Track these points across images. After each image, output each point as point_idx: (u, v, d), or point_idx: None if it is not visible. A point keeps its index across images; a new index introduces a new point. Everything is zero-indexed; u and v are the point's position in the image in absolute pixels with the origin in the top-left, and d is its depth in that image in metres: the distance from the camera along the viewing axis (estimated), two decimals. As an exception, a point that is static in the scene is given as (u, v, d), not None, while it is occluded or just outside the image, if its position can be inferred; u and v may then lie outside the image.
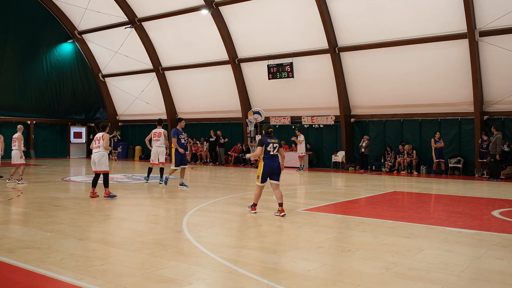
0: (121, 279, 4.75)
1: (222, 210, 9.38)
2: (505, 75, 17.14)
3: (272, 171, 8.39)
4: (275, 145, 8.38)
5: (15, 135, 14.37)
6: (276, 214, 8.33)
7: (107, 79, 30.16)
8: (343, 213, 9.10)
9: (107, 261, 5.46)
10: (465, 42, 17.31)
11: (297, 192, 12.44)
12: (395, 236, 6.82)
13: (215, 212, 9.13)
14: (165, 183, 13.06)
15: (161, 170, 13.82)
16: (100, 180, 10.48)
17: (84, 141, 31.05)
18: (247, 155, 11.31)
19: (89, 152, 30.58)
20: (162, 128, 14.23)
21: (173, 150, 12.83)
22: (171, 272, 4.98)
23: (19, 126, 15.13)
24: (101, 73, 30.14)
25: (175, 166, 12.80)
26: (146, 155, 28.14)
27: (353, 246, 6.24)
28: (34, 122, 28.38)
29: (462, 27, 17.15)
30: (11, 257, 5.52)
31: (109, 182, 10.63)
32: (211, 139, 24.70)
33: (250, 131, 23.57)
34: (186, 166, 13.42)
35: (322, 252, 5.95)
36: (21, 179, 14.00)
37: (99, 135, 10.54)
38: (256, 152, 8.47)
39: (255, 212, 8.47)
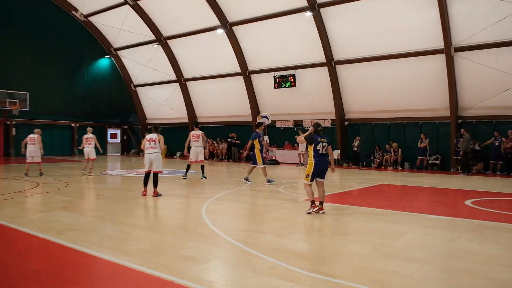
0: (150, 257, 4.82)
1: (235, 199, 9.44)
2: (477, 84, 17.04)
3: (322, 169, 7.46)
4: (324, 144, 7.38)
5: (89, 136, 14.81)
6: (315, 211, 7.30)
7: (138, 89, 30.31)
8: (338, 202, 9.11)
9: (138, 241, 5.54)
10: (442, 57, 17.25)
11: (298, 184, 12.44)
12: (382, 222, 6.85)
13: (229, 201, 9.17)
14: (249, 181, 12.16)
15: (202, 167, 13.49)
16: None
17: (119, 141, 31.28)
18: (298, 139, 8.68)
19: (123, 150, 31.06)
20: (200, 129, 13.73)
21: (257, 151, 12.15)
22: (192, 251, 5.04)
23: (88, 128, 15.49)
24: (133, 84, 30.29)
25: (263, 165, 12.17)
26: (170, 153, 28.33)
27: (346, 230, 6.27)
28: (77, 125, 28.62)
29: (439, 44, 17.09)
30: (59, 238, 5.61)
31: (136, 176, 10.15)
32: (229, 140, 24.88)
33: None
34: (255, 166, 12.39)
35: (320, 235, 5.98)
36: (91, 172, 14.48)
37: (153, 136, 9.49)
38: (300, 137, 7.77)
39: (316, 210, 7.28)
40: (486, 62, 16.25)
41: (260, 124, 13.13)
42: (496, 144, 16.31)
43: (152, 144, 9.34)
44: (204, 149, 13.75)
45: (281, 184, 12.28)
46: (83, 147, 14.75)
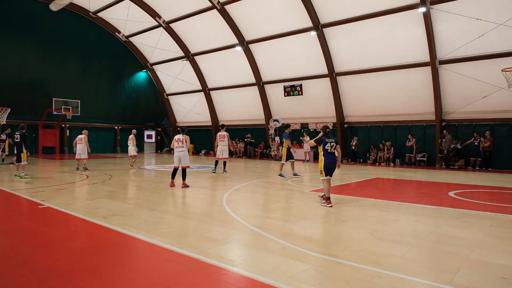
0: (180, 238, 4.83)
1: (252, 190, 9.41)
2: (459, 92, 16.69)
3: (331, 166, 7.19)
4: (332, 143, 7.19)
5: (130, 136, 15.44)
6: (322, 204, 7.11)
7: (170, 97, 30.53)
8: (339, 193, 9.01)
9: (170, 226, 5.55)
10: (428, 69, 16.96)
11: (304, 178, 12.35)
12: (377, 210, 6.73)
13: (247, 192, 9.15)
14: (282, 176, 11.92)
15: (224, 163, 13.48)
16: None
17: (153, 141, 31.50)
18: (309, 142, 8.72)
19: (157, 149, 31.34)
20: (225, 131, 13.60)
21: (285, 149, 11.90)
22: (215, 234, 5.03)
23: (133, 130, 16.07)
24: (165, 93, 30.53)
25: (285, 161, 11.94)
26: (196, 151, 28.49)
27: (346, 217, 6.18)
28: (119, 127, 28.99)
29: (426, 58, 16.81)
30: (104, 221, 5.67)
31: (168, 170, 10.30)
32: (246, 140, 24.95)
33: (271, 133, 23.55)
34: (294, 160, 12.28)
35: (324, 222, 5.91)
36: (133, 166, 15.09)
37: (180, 136, 9.47)
38: (311, 141, 7.46)
39: (331, 206, 6.98)
40: (467, 73, 15.93)
41: (288, 125, 12.78)
42: (476, 143, 16.02)
43: (180, 144, 9.41)
44: (228, 148, 13.74)
45: (290, 178, 12.21)
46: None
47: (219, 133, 13.50)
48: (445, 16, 15.74)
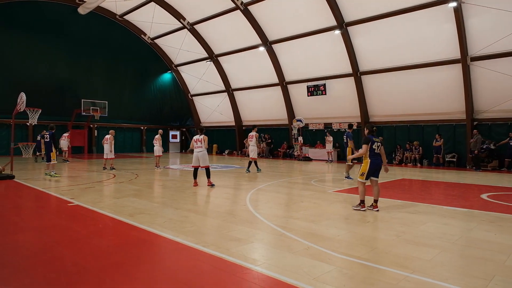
0: (204, 237, 4.86)
1: (274, 190, 9.37)
2: (491, 90, 16.01)
3: (377, 168, 6.67)
4: (378, 143, 6.69)
5: (156, 136, 15.50)
6: (369, 207, 6.68)
7: (194, 98, 30.94)
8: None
9: (194, 224, 5.60)
10: (458, 66, 16.36)
11: (327, 178, 12.19)
12: (404, 212, 6.54)
13: (269, 191, 9.11)
14: (350, 178, 11.50)
15: (255, 163, 13.67)
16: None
17: (178, 141, 32.00)
18: (350, 157, 7.58)
19: (182, 148, 31.80)
20: (256, 132, 13.79)
21: (350, 150, 11.50)
22: (238, 233, 5.03)
23: (159, 130, 16.05)
24: (190, 94, 30.96)
25: (351, 163, 11.71)
26: (220, 151, 28.72)
27: (371, 219, 6.04)
28: (145, 127, 29.63)
29: (456, 55, 16.23)
30: (130, 219, 5.79)
31: (192, 170, 10.19)
32: (263, 140, 25.21)
33: (294, 133, 23.42)
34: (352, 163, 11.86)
35: (348, 223, 5.80)
36: (159, 166, 15.24)
37: (199, 137, 9.54)
38: (362, 151, 6.67)
39: (365, 210, 6.59)
40: (500, 69, 15.27)
41: (351, 125, 12.35)
42: (511, 143, 15.31)
43: (199, 144, 9.52)
44: (257, 148, 13.86)
45: (314, 178, 12.08)
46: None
47: (250, 134, 13.88)
48: (477, 10, 15.14)
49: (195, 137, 9.67)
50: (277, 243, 4.64)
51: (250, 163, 13.76)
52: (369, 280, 3.45)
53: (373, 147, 6.61)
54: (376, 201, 6.67)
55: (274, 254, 4.23)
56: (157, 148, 15.31)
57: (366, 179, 6.67)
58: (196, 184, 9.68)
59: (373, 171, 6.66)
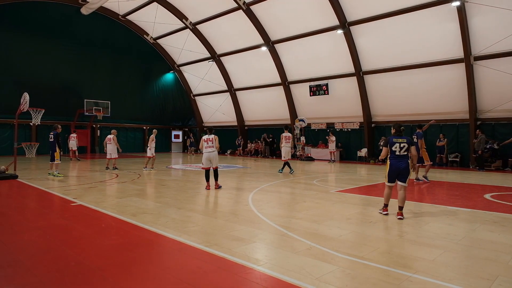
0: (206, 237, 4.87)
1: (277, 190, 9.38)
2: (495, 89, 15.93)
3: (399, 171, 6.07)
4: (402, 144, 6.07)
5: (152, 136, 14.54)
6: (381, 212, 6.37)
7: (196, 98, 30.97)
8: (366, 194, 8.83)
9: (197, 224, 5.61)
10: (462, 65, 16.29)
11: (330, 178, 12.18)
12: (406, 212, 6.52)
13: (272, 191, 9.12)
14: (425, 179, 11.13)
15: (287, 164, 13.31)
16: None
17: (180, 141, 32.02)
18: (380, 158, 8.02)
19: (184, 148, 31.83)
20: (289, 132, 13.33)
21: (424, 151, 11.04)
22: (241, 233, 5.04)
23: (154, 130, 15.03)
24: (192, 93, 30.99)
25: (430, 162, 11.28)
26: (222, 151, 28.73)
27: (374, 219, 6.03)
28: (148, 127, 29.68)
29: (459, 54, 16.15)
30: (133, 219, 5.81)
31: (195, 170, 9.97)
32: (269, 139, 25.11)
33: (297, 133, 23.40)
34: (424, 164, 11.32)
35: (351, 223, 5.79)
36: (152, 167, 14.47)
37: (209, 136, 9.18)
38: (382, 153, 6.34)
39: (387, 214, 6.26)
40: (504, 69, 15.19)
41: (422, 125, 11.78)
42: (515, 143, 15.23)
43: (210, 144, 9.08)
44: (292, 149, 13.37)
45: (316, 178, 12.08)
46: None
47: (283, 134, 13.35)
48: (480, 9, 15.06)
49: (204, 137, 9.22)
50: (279, 243, 4.64)
51: (287, 164, 13.28)
52: (372, 280, 3.45)
53: (393, 149, 6.14)
54: (400, 207, 6.08)
55: (276, 254, 4.24)
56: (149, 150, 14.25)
57: (389, 182, 6.23)
58: (208, 187, 9.18)
59: (394, 174, 6.14)
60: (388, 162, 6.22)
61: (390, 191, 6.30)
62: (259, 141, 25.91)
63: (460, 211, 6.71)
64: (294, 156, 23.30)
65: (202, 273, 3.64)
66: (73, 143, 19.69)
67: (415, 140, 11.04)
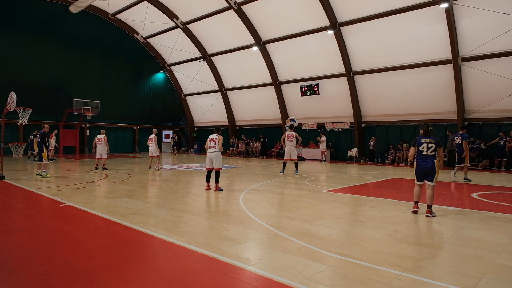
0: (197, 237, 4.85)
1: (268, 190, 9.39)
2: (482, 90, 16.23)
3: (425, 171, 6.26)
4: (430, 145, 6.20)
5: (151, 136, 14.54)
6: (412, 210, 6.44)
7: (187, 97, 30.86)
8: (356, 193, 8.89)
9: (187, 224, 5.58)
10: (450, 66, 16.56)
11: (321, 178, 12.24)
12: (396, 211, 6.59)
13: (263, 191, 9.13)
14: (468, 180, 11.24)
15: (296, 164, 13.02)
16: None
17: (171, 141, 31.87)
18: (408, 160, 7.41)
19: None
20: (294, 131, 13.03)
21: (467, 152, 11.21)
22: (232, 233, 5.03)
23: (154, 129, 15.04)
24: (183, 93, 30.87)
25: (468, 164, 11.39)
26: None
27: (364, 218, 6.08)
28: (138, 127, 29.46)
29: (448, 55, 16.42)
30: (123, 220, 5.75)
31: (186, 170, 9.76)
32: (261, 140, 25.18)
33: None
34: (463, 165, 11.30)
35: (341, 222, 5.83)
36: (158, 166, 14.60)
37: (214, 136, 8.92)
38: (410, 153, 6.52)
39: (416, 211, 6.38)
40: (491, 70, 15.48)
41: (465, 127, 11.76)
42: (501, 143, 15.58)
43: (213, 144, 8.84)
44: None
45: (307, 177, 12.13)
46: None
47: (287, 133, 12.89)
48: (468, 12, 15.32)
49: (210, 136, 9.00)
50: (270, 242, 4.65)
51: (296, 164, 13.01)
52: (362, 278, 3.48)
53: (420, 148, 6.28)
54: (429, 206, 6.22)
55: (267, 253, 4.24)
56: (153, 149, 14.47)
57: (418, 181, 6.44)
58: (208, 187, 9.00)
59: (421, 174, 6.33)
60: (415, 162, 6.39)
61: (419, 189, 6.47)
62: (250, 141, 25.91)
63: (448, 210, 6.80)
64: (279, 156, 23.34)
65: (193, 273, 3.62)
66: (52, 142, 19.35)
67: (459, 141, 11.19)
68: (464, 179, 11.28)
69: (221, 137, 8.94)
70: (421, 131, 6.50)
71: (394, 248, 4.40)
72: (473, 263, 3.94)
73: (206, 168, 9.18)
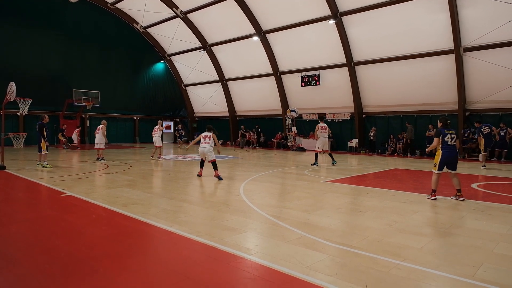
0: (197, 227, 4.87)
1: (268, 180, 9.41)
2: (484, 80, 16.13)
3: (450, 160, 6.65)
4: (452, 135, 6.65)
5: (156, 127, 15.04)
6: (453, 198, 6.81)
7: (187, 88, 30.73)
8: (356, 184, 8.91)
9: (188, 214, 5.61)
10: (452, 57, 16.43)
11: (321, 168, 12.25)
12: (396, 201, 6.62)
13: (263, 181, 9.15)
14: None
15: (330, 155, 13.34)
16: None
17: (171, 131, 31.86)
18: (427, 150, 7.38)
19: (175, 139, 31.59)
20: (324, 123, 12.95)
21: (482, 143, 12.65)
22: (232, 223, 5.05)
23: (159, 121, 15.44)
24: (183, 84, 30.73)
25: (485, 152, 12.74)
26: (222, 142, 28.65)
27: (363, 208, 6.10)
28: (138, 118, 29.41)
29: (449, 45, 16.28)
30: (124, 210, 5.77)
31: (186, 160, 10.29)
32: (255, 130, 25.36)
33: (288, 124, 23.44)
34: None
35: (341, 212, 5.85)
36: (160, 157, 14.78)
37: (207, 134, 9.60)
38: (433, 144, 6.81)
39: (435, 199, 6.78)
40: (493, 60, 15.36)
41: (480, 121, 12.49)
42: (502, 134, 15.49)
43: (206, 140, 9.59)
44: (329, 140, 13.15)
45: (307, 168, 12.14)
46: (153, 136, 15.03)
47: (320, 124, 12.76)
48: (470, 1, 15.16)
49: (203, 134, 9.75)
50: (270, 232, 4.67)
51: (330, 155, 13.26)
52: (361, 268, 3.50)
53: (445, 139, 6.64)
54: (459, 190, 6.72)
55: (267, 243, 4.26)
56: (157, 139, 14.82)
57: (439, 170, 6.75)
58: (201, 173, 9.78)
59: (445, 163, 6.68)
60: (440, 151, 6.68)
61: (438, 178, 6.82)
62: (250, 132, 25.90)
63: (447, 200, 6.82)
64: (285, 147, 23.36)
65: (193, 263, 3.65)
66: (74, 137, 19.53)
67: (488, 130, 12.37)
68: (483, 166, 12.53)
69: (214, 135, 9.76)
70: (440, 124, 6.86)
71: (393, 238, 4.42)
72: (471, 252, 3.96)
73: (202, 159, 9.90)
